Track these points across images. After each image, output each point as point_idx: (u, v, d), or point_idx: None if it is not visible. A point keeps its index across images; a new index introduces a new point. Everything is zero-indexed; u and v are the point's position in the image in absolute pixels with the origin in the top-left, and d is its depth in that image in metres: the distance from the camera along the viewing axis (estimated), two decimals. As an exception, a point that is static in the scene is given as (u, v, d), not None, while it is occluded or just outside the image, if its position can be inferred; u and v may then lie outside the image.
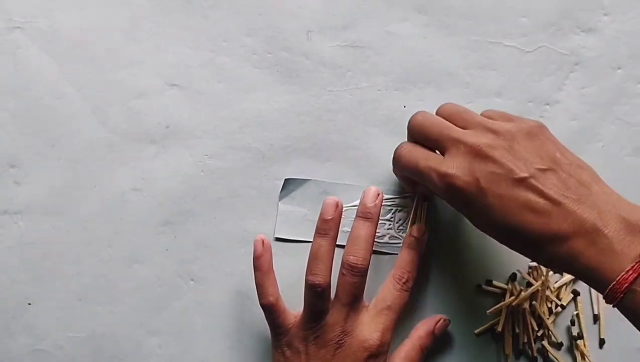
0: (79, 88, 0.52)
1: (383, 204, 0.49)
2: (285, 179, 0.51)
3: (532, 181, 0.40)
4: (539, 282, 0.49)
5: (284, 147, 0.51)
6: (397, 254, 0.49)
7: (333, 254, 0.46)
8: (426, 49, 0.52)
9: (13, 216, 0.51)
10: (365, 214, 0.47)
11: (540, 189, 0.40)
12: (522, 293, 0.49)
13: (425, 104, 0.52)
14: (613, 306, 0.38)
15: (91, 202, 0.51)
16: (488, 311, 0.49)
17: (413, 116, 0.46)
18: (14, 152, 0.52)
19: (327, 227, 0.46)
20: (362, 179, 0.51)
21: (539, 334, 0.49)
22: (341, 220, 0.47)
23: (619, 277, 0.37)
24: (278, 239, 0.51)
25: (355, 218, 0.47)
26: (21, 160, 0.52)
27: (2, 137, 0.52)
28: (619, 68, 0.52)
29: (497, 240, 0.42)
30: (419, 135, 0.45)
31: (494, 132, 0.42)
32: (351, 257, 0.46)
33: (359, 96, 0.52)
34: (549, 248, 0.39)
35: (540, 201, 0.39)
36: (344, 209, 0.49)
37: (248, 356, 0.51)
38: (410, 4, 0.52)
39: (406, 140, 0.48)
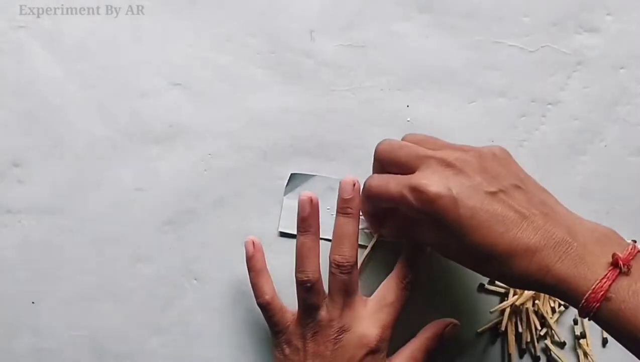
0: (83, 87, 0.52)
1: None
2: (291, 174, 0.51)
3: (502, 196, 0.40)
4: None
5: (287, 146, 0.52)
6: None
7: (318, 248, 0.47)
8: (429, 49, 0.52)
9: (16, 215, 0.51)
10: (344, 210, 0.46)
11: (510, 203, 0.40)
12: (525, 292, 0.49)
13: (428, 103, 0.52)
14: (589, 319, 0.38)
15: (95, 202, 0.51)
16: (491, 310, 0.49)
17: (379, 144, 0.46)
18: (18, 151, 0.52)
19: (306, 224, 0.47)
20: (365, 177, 0.51)
21: (541, 333, 0.49)
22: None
23: (594, 286, 0.37)
24: (282, 234, 0.51)
25: (336, 214, 0.47)
26: (25, 160, 0.52)
27: (6, 136, 0.52)
28: (621, 68, 0.52)
29: (465, 262, 0.42)
30: (387, 160, 0.45)
31: (463, 150, 0.43)
32: (337, 256, 0.46)
33: (361, 96, 0.52)
34: (519, 262, 0.39)
35: (511, 214, 0.40)
36: None
37: (251, 354, 0.51)
38: (413, 4, 0.52)
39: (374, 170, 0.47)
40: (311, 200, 0.47)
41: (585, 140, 0.52)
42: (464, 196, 0.40)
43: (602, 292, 0.37)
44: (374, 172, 0.47)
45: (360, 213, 0.47)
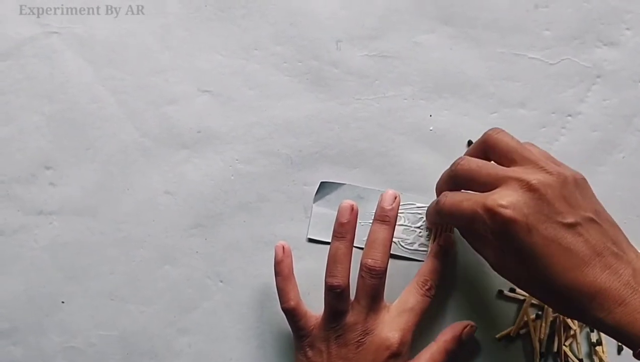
0: (114, 93, 0.53)
1: (414, 211, 0.50)
2: (321, 182, 0.52)
3: (579, 228, 0.40)
4: None
5: (312, 153, 0.53)
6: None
7: (351, 255, 0.48)
8: (452, 60, 0.53)
9: (48, 216, 0.53)
10: (382, 218, 0.48)
11: (586, 237, 0.40)
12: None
13: (451, 113, 0.53)
14: None
15: (124, 204, 0.53)
16: (497, 335, 0.51)
17: (457, 163, 0.45)
18: (50, 154, 0.53)
19: (344, 230, 0.47)
20: (389, 185, 0.52)
21: (566, 343, 0.50)
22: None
23: None
24: (311, 240, 0.52)
25: (373, 221, 0.48)
26: (57, 162, 0.53)
27: (39, 139, 0.53)
28: (639, 81, 0.53)
29: (525, 287, 0.42)
30: (466, 179, 0.44)
31: (547, 171, 0.41)
32: (369, 260, 0.47)
33: (386, 105, 0.53)
34: (581, 299, 0.39)
35: (583, 249, 0.39)
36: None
37: (274, 355, 0.52)
38: (437, 16, 0.53)
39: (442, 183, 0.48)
40: (352, 208, 0.48)
41: (604, 151, 0.53)
42: (539, 225, 0.39)
43: None
44: (443, 183, 0.47)
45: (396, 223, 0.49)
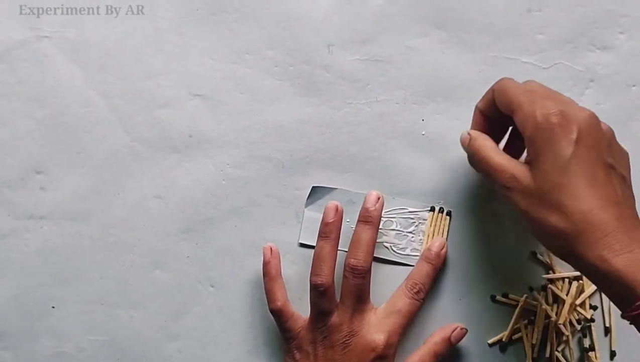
0: (105, 97, 0.53)
1: (406, 216, 0.50)
2: (313, 187, 0.52)
3: (614, 174, 0.41)
4: (574, 290, 0.49)
5: (304, 157, 0.53)
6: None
7: (335, 255, 0.48)
8: (444, 64, 0.53)
9: (38, 220, 0.53)
10: (365, 218, 0.49)
11: (616, 184, 0.41)
12: (543, 305, 0.49)
13: (443, 117, 0.53)
14: (630, 322, 0.38)
15: (115, 209, 0.52)
16: (489, 341, 0.51)
17: (507, 81, 0.45)
18: (41, 158, 0.53)
19: (328, 229, 0.48)
20: (380, 190, 0.51)
21: (558, 349, 0.50)
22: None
23: None
24: (302, 245, 0.52)
25: (357, 222, 0.49)
26: (47, 167, 0.53)
27: (29, 143, 0.53)
28: (633, 85, 0.53)
29: (538, 206, 0.40)
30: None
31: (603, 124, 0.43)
32: (352, 260, 0.47)
33: (377, 109, 0.53)
34: (593, 231, 0.38)
35: (609, 191, 0.40)
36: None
37: (266, 360, 0.52)
38: (429, 20, 0.53)
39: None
40: (337, 208, 0.49)
41: (597, 156, 0.52)
42: (585, 145, 0.40)
43: None
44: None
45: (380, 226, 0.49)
